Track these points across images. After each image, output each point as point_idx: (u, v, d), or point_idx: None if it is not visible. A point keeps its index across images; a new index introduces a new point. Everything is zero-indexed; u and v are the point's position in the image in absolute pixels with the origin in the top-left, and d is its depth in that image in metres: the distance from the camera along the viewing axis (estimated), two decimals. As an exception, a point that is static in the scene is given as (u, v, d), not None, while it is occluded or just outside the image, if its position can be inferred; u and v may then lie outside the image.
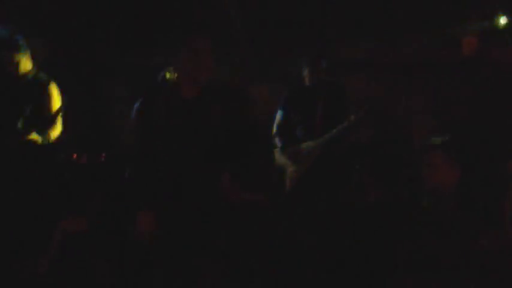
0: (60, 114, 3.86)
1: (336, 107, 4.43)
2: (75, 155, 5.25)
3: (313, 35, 5.49)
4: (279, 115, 4.59)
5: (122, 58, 6.17)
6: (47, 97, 3.95)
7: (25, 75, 3.95)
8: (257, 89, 5.90)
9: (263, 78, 5.85)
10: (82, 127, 5.88)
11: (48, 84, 3.98)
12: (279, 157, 4.51)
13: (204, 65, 2.68)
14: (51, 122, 3.86)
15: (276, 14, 5.46)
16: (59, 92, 4.04)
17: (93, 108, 6.41)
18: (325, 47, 5.28)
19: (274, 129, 4.66)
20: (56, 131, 3.98)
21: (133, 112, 2.78)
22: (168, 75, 4.31)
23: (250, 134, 3.53)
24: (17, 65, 3.90)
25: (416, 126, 5.52)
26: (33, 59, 4.02)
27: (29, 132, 3.81)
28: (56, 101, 3.98)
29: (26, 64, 3.96)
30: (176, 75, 3.62)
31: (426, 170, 2.91)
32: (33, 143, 3.80)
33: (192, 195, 2.71)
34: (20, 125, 3.85)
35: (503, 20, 5.26)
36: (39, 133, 3.86)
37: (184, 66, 2.72)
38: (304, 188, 4.31)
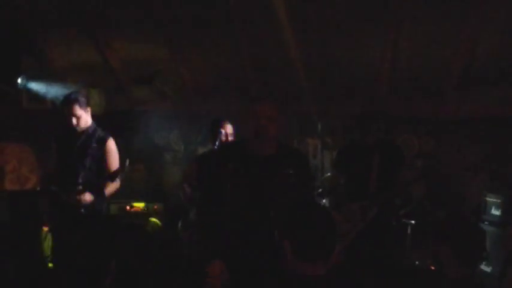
0: (120, 170, 3.88)
1: (391, 167, 4.35)
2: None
3: (364, 91, 5.47)
4: (331, 173, 4.48)
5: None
6: (106, 153, 4.02)
7: (85, 130, 4.05)
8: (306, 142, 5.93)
9: (311, 133, 5.85)
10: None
11: (107, 139, 4.05)
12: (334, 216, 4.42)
13: (267, 132, 2.75)
14: (110, 178, 3.89)
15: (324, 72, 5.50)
16: (117, 147, 4.11)
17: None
18: (379, 105, 5.25)
19: (326, 187, 4.58)
20: (114, 186, 4.03)
21: (207, 165, 2.84)
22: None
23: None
24: (78, 119, 4.00)
25: (471, 183, 5.36)
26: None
27: (87, 190, 3.88)
28: (114, 157, 4.04)
29: (86, 119, 4.06)
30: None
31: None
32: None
33: (257, 254, 2.76)
34: (80, 179, 3.92)
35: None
36: (96, 189, 3.93)
37: (250, 130, 2.79)
38: (361, 247, 4.22)
